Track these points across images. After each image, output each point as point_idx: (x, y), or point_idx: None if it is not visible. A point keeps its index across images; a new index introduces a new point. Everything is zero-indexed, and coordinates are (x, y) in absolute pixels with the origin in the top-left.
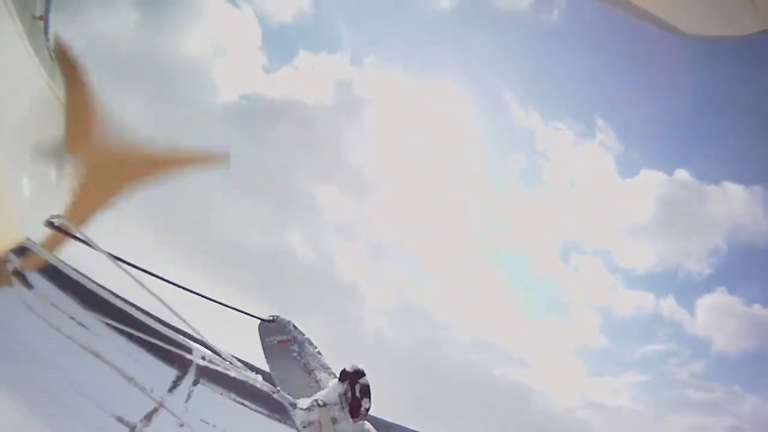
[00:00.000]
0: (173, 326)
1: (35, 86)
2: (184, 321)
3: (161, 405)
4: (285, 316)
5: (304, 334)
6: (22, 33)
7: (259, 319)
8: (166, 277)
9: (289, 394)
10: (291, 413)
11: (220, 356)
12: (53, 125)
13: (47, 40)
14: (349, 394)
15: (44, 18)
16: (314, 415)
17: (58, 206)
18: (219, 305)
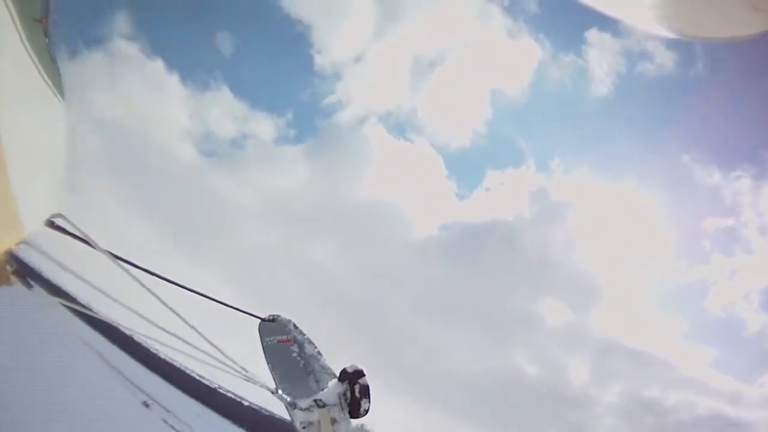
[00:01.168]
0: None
1: (36, 87)
2: (183, 319)
3: None
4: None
5: (304, 334)
6: (22, 35)
7: (259, 318)
8: (166, 276)
9: (288, 394)
10: (290, 413)
11: (222, 354)
12: (54, 125)
13: (47, 41)
14: (349, 394)
15: (44, 20)
16: (314, 416)
17: (59, 206)
18: (220, 305)
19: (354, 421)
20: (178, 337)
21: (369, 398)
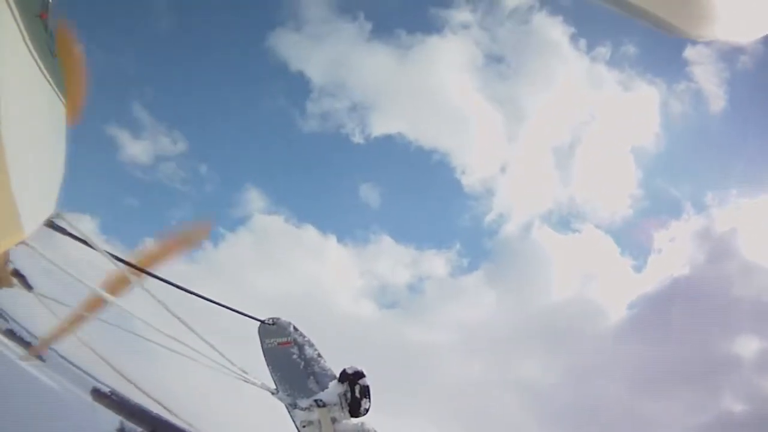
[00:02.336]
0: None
1: (36, 85)
2: (182, 322)
3: None
4: None
5: (304, 337)
6: (23, 32)
7: (259, 321)
8: (165, 278)
9: (288, 395)
10: (291, 413)
11: (223, 357)
12: (54, 123)
13: (48, 37)
14: (349, 394)
15: (44, 15)
16: (314, 415)
17: (59, 205)
18: (220, 306)
19: (354, 420)
20: (177, 340)
21: (369, 398)
